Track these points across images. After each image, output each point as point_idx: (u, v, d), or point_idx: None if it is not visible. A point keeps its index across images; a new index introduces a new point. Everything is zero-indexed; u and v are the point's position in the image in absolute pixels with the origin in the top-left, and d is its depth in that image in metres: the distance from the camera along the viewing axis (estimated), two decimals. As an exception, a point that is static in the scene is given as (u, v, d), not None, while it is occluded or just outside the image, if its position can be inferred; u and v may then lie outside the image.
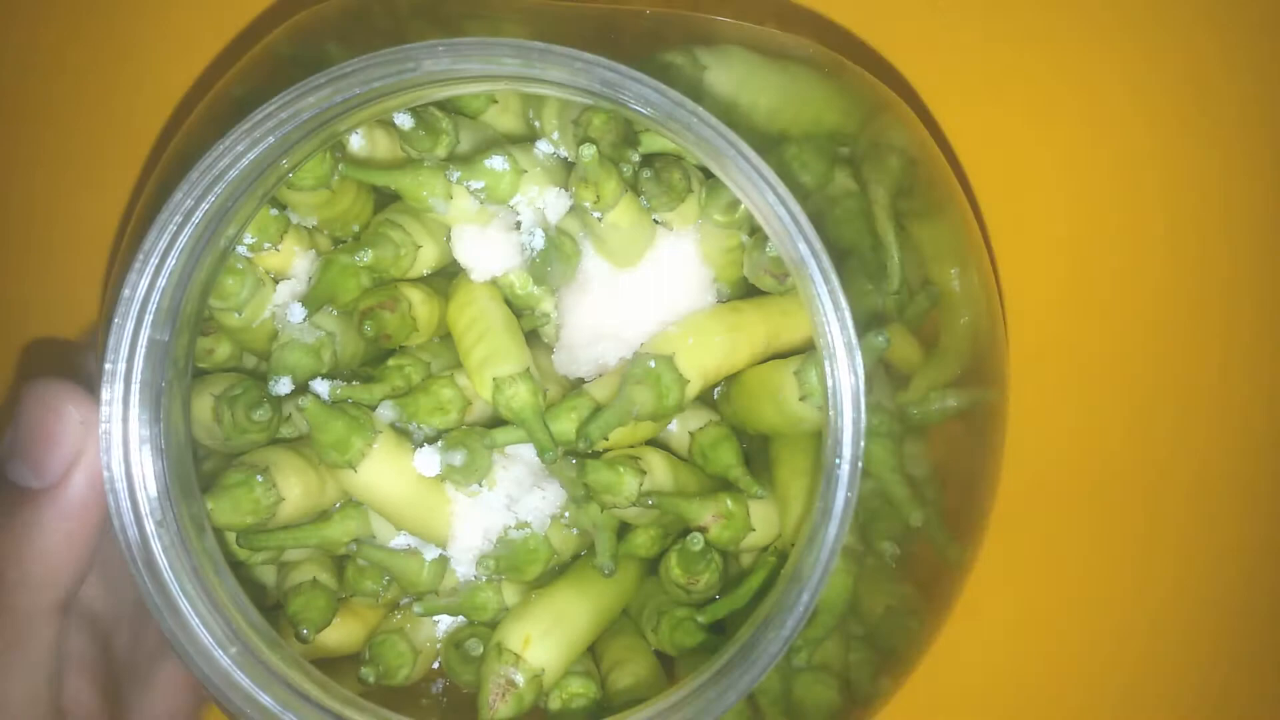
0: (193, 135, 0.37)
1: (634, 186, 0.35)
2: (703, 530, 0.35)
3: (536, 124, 0.38)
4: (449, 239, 0.37)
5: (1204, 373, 0.47)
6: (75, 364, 0.38)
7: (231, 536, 0.36)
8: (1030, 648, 0.48)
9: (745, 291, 0.38)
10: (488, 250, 0.37)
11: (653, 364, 0.35)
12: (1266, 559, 0.47)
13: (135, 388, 0.32)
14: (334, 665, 0.38)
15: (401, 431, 0.36)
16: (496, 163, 0.35)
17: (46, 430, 0.32)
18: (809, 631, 0.34)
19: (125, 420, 0.32)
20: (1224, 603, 0.47)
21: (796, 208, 0.30)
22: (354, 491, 0.36)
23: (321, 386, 0.36)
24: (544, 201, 0.36)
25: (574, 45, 0.30)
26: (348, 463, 0.35)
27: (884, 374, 0.37)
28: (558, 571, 0.38)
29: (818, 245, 0.30)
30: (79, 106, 0.49)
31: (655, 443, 0.38)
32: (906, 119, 0.38)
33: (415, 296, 0.38)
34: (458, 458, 0.35)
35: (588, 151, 0.33)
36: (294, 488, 0.36)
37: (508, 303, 0.38)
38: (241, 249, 0.36)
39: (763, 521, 0.36)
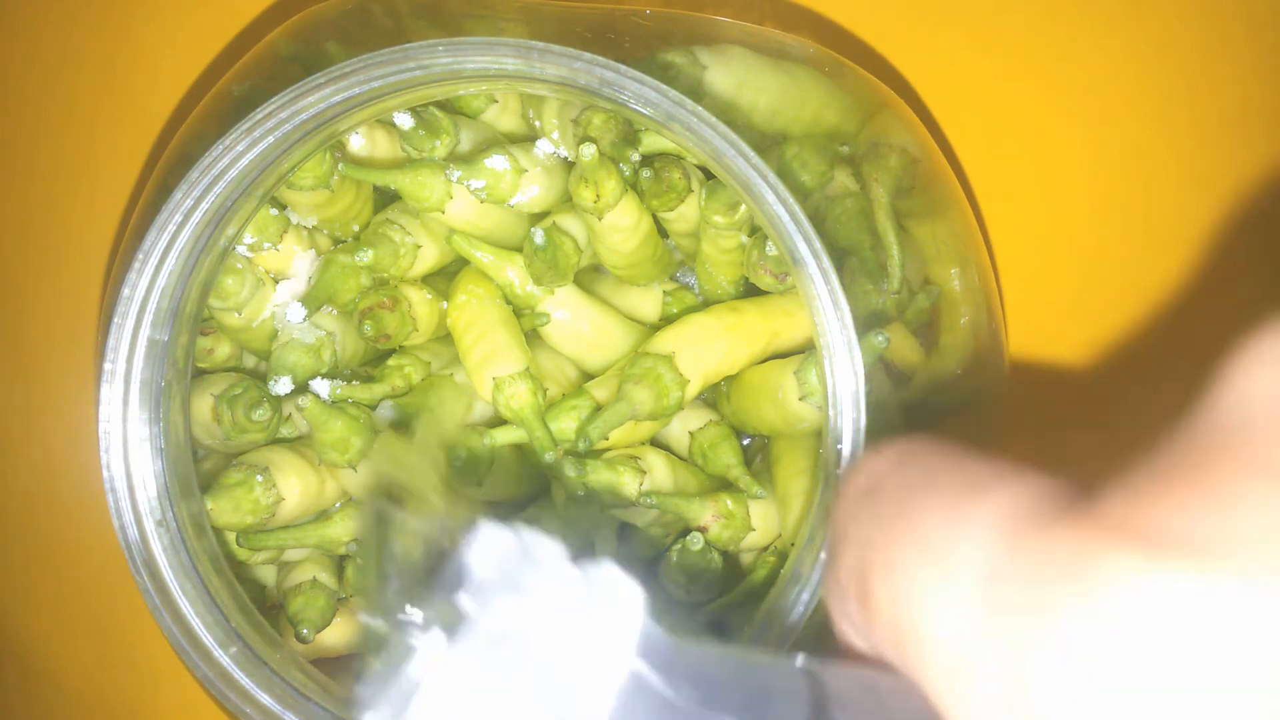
0: (192, 135, 0.37)
1: (634, 186, 0.35)
2: (703, 530, 0.35)
3: (536, 124, 0.38)
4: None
5: (1207, 371, 0.47)
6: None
7: (231, 536, 0.36)
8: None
9: (745, 291, 0.38)
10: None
11: (652, 364, 0.35)
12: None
13: (134, 387, 0.32)
14: (335, 664, 0.38)
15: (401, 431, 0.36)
16: (497, 162, 0.35)
17: None
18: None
19: (124, 420, 0.32)
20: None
21: (796, 207, 0.30)
22: (354, 491, 0.36)
23: (321, 386, 0.36)
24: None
25: (574, 45, 0.30)
26: (348, 463, 0.35)
27: (884, 374, 0.37)
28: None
29: (817, 245, 0.30)
30: (78, 106, 0.49)
31: (655, 443, 0.38)
32: (906, 118, 0.38)
33: (415, 296, 0.37)
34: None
35: (588, 151, 0.33)
36: (294, 487, 0.36)
37: (507, 302, 0.38)
38: (241, 249, 0.36)
39: (763, 521, 0.36)
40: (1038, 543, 0.15)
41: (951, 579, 0.16)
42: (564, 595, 0.16)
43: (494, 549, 0.16)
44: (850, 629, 0.19)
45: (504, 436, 0.36)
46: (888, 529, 0.17)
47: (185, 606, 0.32)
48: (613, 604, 0.16)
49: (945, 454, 0.18)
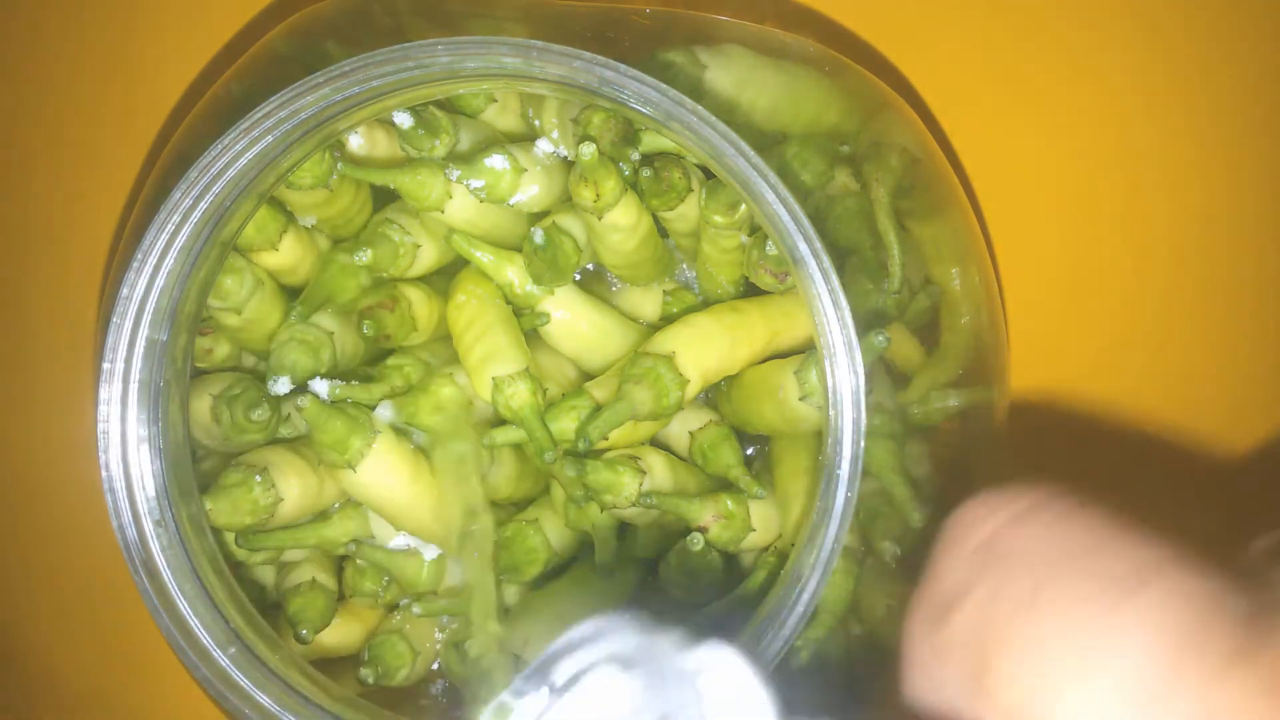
0: (191, 134, 0.37)
1: (634, 185, 0.35)
2: (703, 530, 0.35)
3: (536, 123, 0.38)
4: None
5: (1206, 373, 0.47)
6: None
7: (230, 536, 0.36)
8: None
9: (745, 291, 0.38)
10: None
11: (652, 364, 0.35)
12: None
13: (133, 387, 0.32)
14: (334, 665, 0.38)
15: (401, 431, 0.36)
16: (496, 161, 0.35)
17: None
18: (809, 631, 0.34)
19: (123, 420, 0.32)
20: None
21: (796, 207, 0.30)
22: (353, 491, 0.36)
23: (321, 386, 0.36)
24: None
25: (574, 44, 0.30)
26: (347, 463, 0.35)
27: (884, 374, 0.37)
28: (557, 572, 0.38)
29: (818, 244, 0.29)
30: (77, 106, 0.49)
31: (655, 443, 0.38)
32: (907, 118, 0.38)
33: (415, 296, 0.37)
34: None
35: (587, 150, 0.33)
36: (293, 488, 0.36)
37: (507, 302, 0.38)
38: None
39: (763, 521, 0.36)
40: (1197, 682, 0.14)
41: (1098, 694, 0.15)
42: (675, 692, 0.15)
43: (617, 628, 0.16)
44: (930, 682, 0.17)
45: (504, 436, 0.36)
46: (1024, 606, 0.16)
47: (184, 607, 0.32)
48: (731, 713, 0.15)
49: (1081, 521, 0.17)
